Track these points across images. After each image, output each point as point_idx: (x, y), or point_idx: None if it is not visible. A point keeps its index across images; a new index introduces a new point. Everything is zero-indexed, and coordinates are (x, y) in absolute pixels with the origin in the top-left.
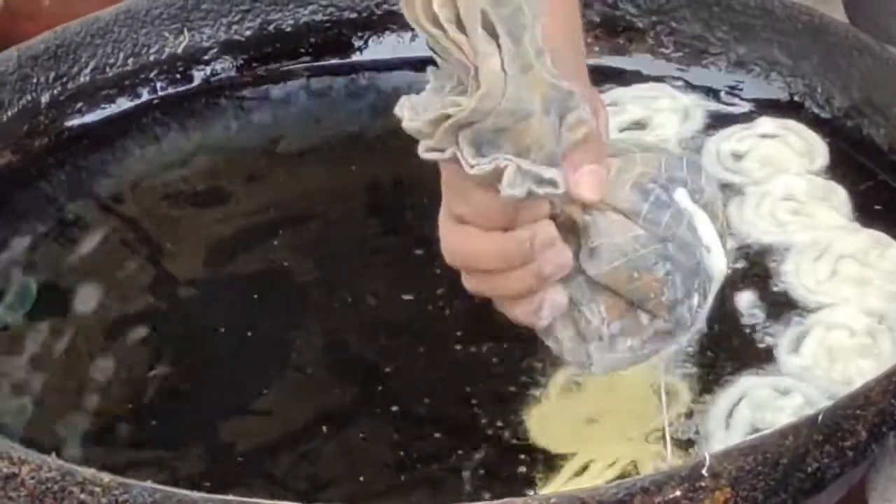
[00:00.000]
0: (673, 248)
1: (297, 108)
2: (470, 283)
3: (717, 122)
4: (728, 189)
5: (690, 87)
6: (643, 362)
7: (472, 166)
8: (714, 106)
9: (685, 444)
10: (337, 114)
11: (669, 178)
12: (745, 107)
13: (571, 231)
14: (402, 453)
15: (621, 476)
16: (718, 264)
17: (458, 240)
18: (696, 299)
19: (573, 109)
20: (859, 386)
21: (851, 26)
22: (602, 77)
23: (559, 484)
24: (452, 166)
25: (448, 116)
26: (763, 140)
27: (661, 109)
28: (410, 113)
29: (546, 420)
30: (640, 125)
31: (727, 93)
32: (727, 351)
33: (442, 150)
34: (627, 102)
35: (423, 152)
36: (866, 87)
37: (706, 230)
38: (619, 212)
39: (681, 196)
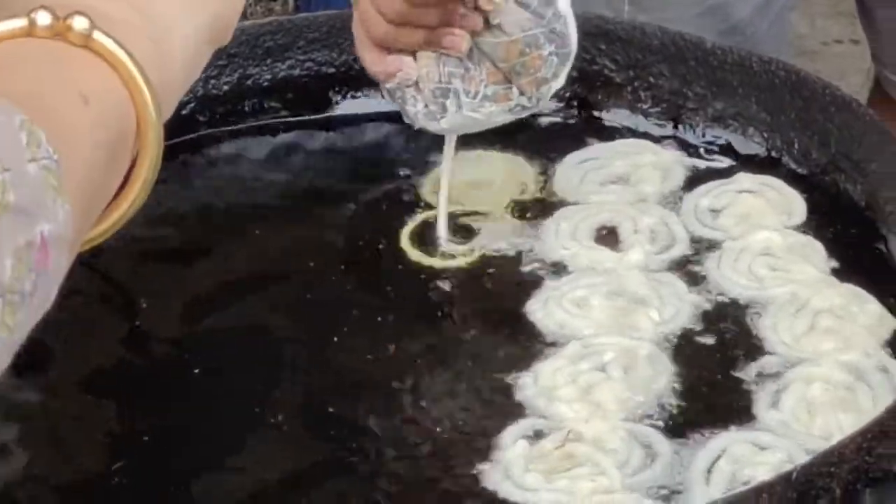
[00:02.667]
0: (556, 36)
1: (274, 163)
2: (379, 29)
3: (698, 178)
4: (705, 245)
5: (671, 142)
6: (488, 127)
7: None
8: (696, 162)
9: (664, 499)
10: (314, 169)
11: None
12: (725, 162)
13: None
14: None
15: None
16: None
17: None
18: (556, 83)
19: None
20: (834, 443)
21: (829, 82)
22: (583, 132)
23: None
24: None
25: None
26: (741, 196)
27: (643, 165)
28: None
29: None
30: (622, 180)
31: (705, 149)
32: (708, 406)
33: None
34: (611, 157)
35: None
36: (843, 142)
37: (573, 31)
38: (517, 3)
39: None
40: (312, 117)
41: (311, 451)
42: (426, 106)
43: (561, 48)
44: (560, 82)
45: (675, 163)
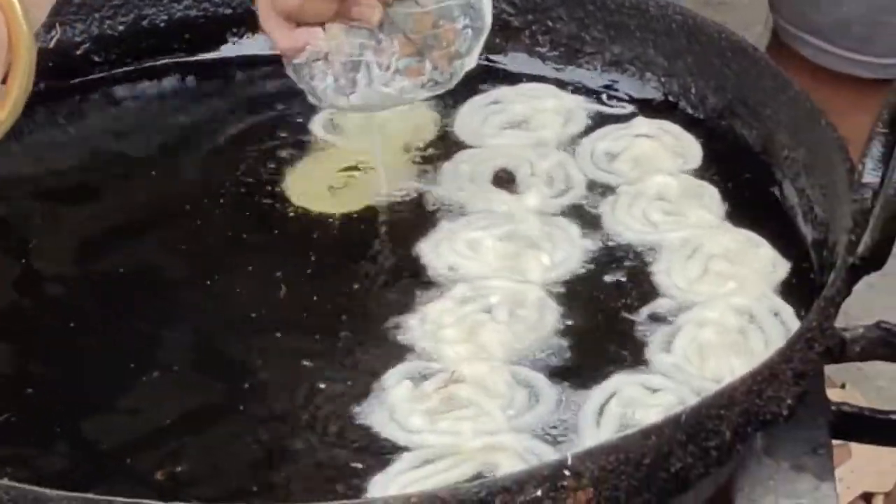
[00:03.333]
0: (469, 10)
1: (169, 104)
2: (289, 2)
3: (599, 123)
4: (601, 189)
5: (571, 87)
6: (400, 105)
7: None
8: (598, 107)
9: (553, 441)
10: (210, 110)
11: None
12: (628, 109)
13: None
14: (268, 451)
15: None
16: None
17: None
18: (469, 60)
19: None
20: (724, 385)
21: (725, 27)
22: (485, 75)
23: None
24: None
25: None
26: (637, 140)
27: (544, 110)
28: None
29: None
30: (523, 124)
31: (608, 95)
32: (599, 348)
33: None
34: (511, 101)
35: None
36: (740, 87)
37: (488, 5)
38: None
39: None
40: (209, 57)
41: (202, 393)
42: (336, 80)
43: (475, 21)
44: (473, 59)
45: (579, 108)
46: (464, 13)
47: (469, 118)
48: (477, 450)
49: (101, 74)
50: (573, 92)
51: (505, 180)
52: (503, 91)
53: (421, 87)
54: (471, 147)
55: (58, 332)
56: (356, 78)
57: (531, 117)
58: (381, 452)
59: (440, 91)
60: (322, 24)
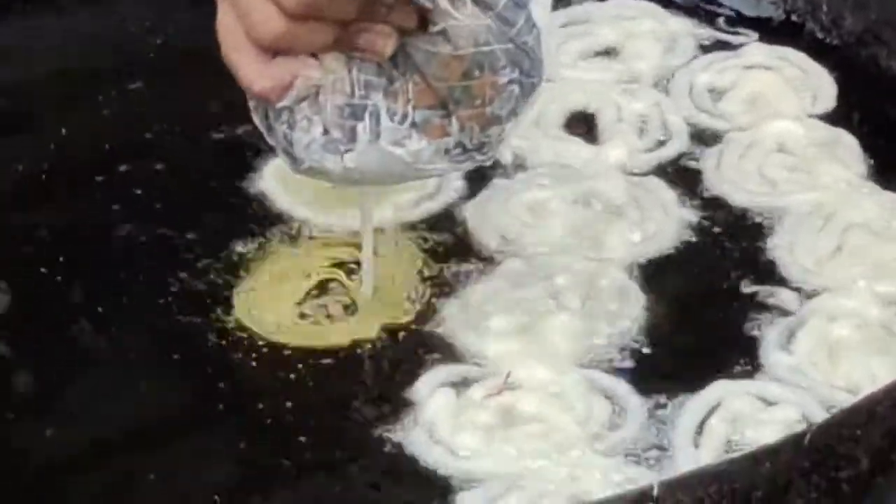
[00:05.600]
0: (523, 58)
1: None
2: (271, 28)
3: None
4: (703, 137)
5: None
6: (411, 179)
7: None
8: (713, 33)
9: (650, 466)
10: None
11: None
12: (738, 31)
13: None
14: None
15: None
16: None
17: None
18: (509, 127)
19: None
20: (863, 397)
21: None
22: None
23: None
24: None
25: None
26: (750, 72)
27: (639, 34)
28: None
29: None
30: (609, 53)
31: (725, 18)
32: (697, 347)
33: None
34: (600, 22)
35: None
36: (887, 4)
37: (544, 51)
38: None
39: (537, 5)
40: None
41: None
42: (326, 132)
43: (527, 75)
44: (517, 124)
45: (685, 33)
46: (512, 63)
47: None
48: (560, 480)
49: None
50: (681, 14)
51: (582, 126)
52: (588, 8)
53: (444, 153)
54: None
55: None
56: (356, 129)
57: (622, 44)
58: (428, 486)
59: (469, 166)
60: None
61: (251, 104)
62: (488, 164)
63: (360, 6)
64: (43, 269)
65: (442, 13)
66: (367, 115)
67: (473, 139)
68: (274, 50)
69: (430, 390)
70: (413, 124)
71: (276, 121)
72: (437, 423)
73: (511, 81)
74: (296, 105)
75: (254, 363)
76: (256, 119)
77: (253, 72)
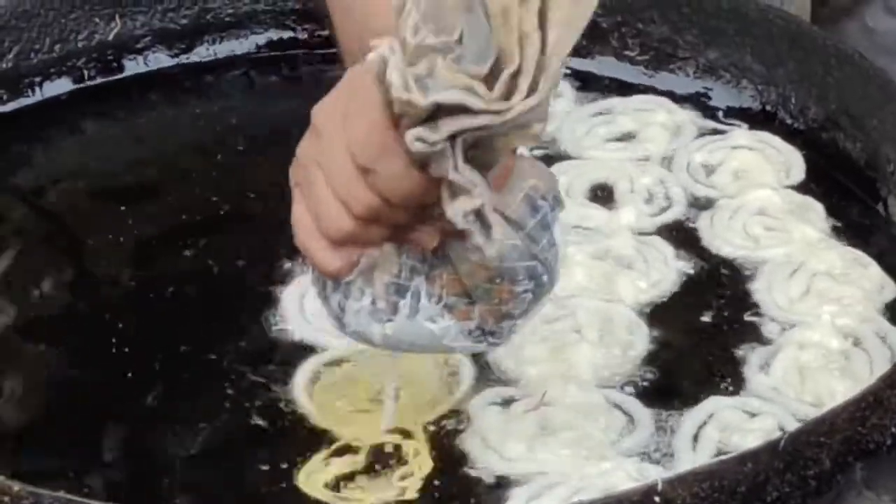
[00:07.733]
0: (541, 271)
1: (234, 100)
2: (341, 225)
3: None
4: (699, 203)
5: (684, 101)
6: (437, 352)
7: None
8: (711, 123)
9: (661, 466)
10: (276, 107)
11: (555, 198)
12: (725, 118)
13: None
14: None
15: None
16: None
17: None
18: (521, 322)
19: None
20: (825, 411)
21: (828, 34)
22: (595, 83)
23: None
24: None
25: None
26: (736, 152)
27: (652, 123)
28: (402, 81)
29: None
30: (627, 137)
31: (724, 112)
32: (693, 369)
33: (433, 145)
34: (621, 112)
35: (414, 141)
36: (843, 97)
37: (559, 263)
38: (507, 218)
39: (558, 224)
40: (276, 53)
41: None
42: (373, 302)
43: (541, 285)
44: (529, 320)
45: (688, 123)
46: (529, 276)
47: (573, 127)
48: (591, 477)
49: (162, 67)
50: (688, 108)
51: (602, 195)
52: (612, 101)
53: (468, 333)
54: (570, 158)
55: (114, 338)
56: (398, 304)
57: (639, 131)
58: (487, 484)
59: (483, 348)
60: None
61: (312, 277)
62: (501, 344)
63: (413, 214)
64: None
65: (487, 245)
66: (409, 294)
67: (489, 327)
68: (341, 244)
69: (483, 407)
70: (445, 306)
71: (333, 291)
72: (489, 433)
73: (526, 290)
74: (353, 279)
75: None
76: (316, 286)
77: (326, 257)
